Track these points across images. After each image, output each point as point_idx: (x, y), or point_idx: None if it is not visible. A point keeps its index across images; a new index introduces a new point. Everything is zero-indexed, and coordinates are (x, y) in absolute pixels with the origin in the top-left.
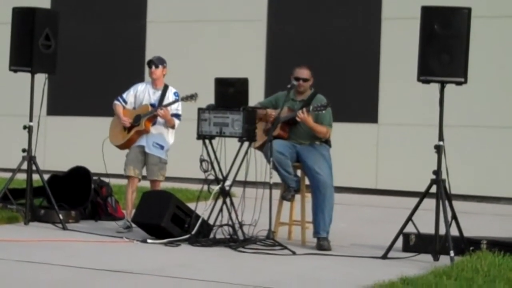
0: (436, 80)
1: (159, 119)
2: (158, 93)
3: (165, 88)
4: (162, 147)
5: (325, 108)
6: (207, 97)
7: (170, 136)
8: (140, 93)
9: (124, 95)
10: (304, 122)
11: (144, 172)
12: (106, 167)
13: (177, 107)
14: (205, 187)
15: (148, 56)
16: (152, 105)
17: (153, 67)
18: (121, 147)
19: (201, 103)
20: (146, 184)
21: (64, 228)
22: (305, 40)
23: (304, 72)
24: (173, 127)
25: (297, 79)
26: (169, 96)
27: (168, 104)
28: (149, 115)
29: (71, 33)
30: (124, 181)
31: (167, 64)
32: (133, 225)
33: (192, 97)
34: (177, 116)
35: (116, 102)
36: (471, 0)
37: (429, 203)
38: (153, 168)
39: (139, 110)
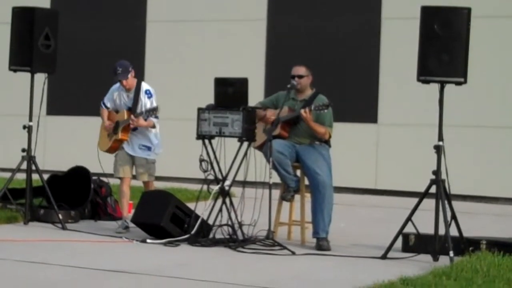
0: (436, 80)
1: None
2: (131, 95)
3: (138, 88)
4: (149, 148)
5: (326, 108)
6: (207, 97)
7: (154, 136)
8: (116, 97)
9: (105, 101)
10: (305, 121)
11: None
12: (102, 167)
13: (151, 104)
14: (205, 187)
15: (149, 55)
16: (129, 109)
17: (124, 82)
18: (107, 152)
19: (200, 103)
20: (142, 184)
21: (64, 228)
22: (305, 39)
23: (299, 69)
24: (153, 127)
25: (293, 76)
26: (142, 97)
27: (138, 115)
28: (125, 124)
29: (71, 32)
30: None
31: (130, 64)
32: (131, 224)
33: (154, 110)
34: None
35: (100, 108)
36: (471, 0)
37: (429, 203)
38: (140, 170)
39: (118, 115)
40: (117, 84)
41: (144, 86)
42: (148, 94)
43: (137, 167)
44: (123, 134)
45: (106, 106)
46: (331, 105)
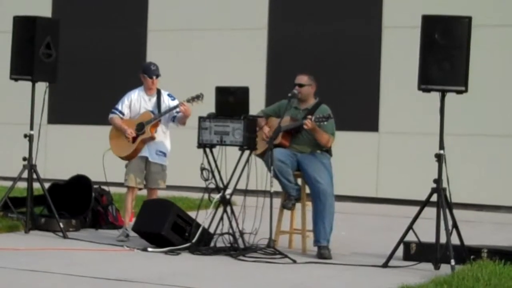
0: (437, 89)
1: (160, 126)
2: (153, 99)
3: (158, 92)
4: (164, 154)
5: (326, 120)
6: (208, 106)
7: (168, 142)
8: (135, 102)
9: (119, 107)
10: (312, 130)
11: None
12: (106, 177)
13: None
14: (206, 195)
15: None
16: (151, 112)
17: (154, 78)
18: (128, 157)
19: (202, 112)
20: (144, 192)
21: (65, 237)
22: (306, 48)
23: (301, 78)
24: (184, 124)
25: (295, 85)
26: (165, 100)
27: (190, 100)
28: (153, 122)
29: (72, 41)
30: (124, 189)
31: None
32: (132, 233)
33: (198, 97)
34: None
35: (112, 115)
36: (472, 9)
37: (430, 212)
38: (155, 176)
39: (140, 118)
40: (136, 90)
41: (164, 91)
42: (171, 97)
43: (153, 174)
44: (152, 132)
45: (121, 113)
46: (331, 117)
